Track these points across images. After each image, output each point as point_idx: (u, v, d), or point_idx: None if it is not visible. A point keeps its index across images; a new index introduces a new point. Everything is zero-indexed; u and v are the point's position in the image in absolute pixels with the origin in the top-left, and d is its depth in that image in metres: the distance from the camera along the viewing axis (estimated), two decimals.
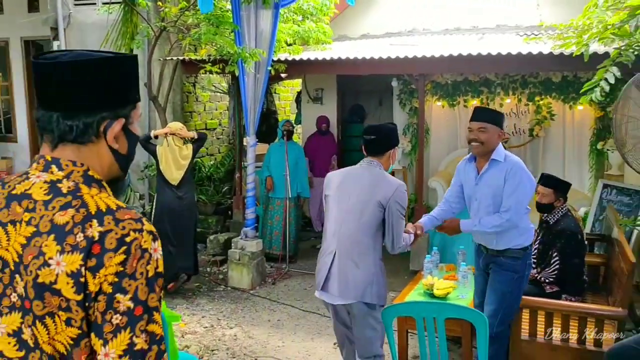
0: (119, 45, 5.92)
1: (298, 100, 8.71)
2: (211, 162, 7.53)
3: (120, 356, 1.05)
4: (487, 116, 3.33)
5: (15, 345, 1.08)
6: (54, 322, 1.06)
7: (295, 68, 6.34)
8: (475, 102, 6.48)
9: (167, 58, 6.13)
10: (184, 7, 5.44)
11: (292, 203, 6.28)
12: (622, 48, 4.30)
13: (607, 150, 5.65)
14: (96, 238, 1.05)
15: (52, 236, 1.06)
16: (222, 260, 6.10)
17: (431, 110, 6.84)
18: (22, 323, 1.08)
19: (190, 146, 5.27)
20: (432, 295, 4.22)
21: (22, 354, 1.08)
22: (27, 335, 1.08)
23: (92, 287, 1.04)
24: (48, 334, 1.06)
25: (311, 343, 4.37)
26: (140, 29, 5.96)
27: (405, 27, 7.31)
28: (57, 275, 1.04)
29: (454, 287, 4.02)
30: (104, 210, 1.10)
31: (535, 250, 4.15)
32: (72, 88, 1.13)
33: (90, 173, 1.16)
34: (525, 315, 3.53)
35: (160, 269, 1.12)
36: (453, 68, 5.75)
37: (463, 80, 6.55)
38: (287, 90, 10.01)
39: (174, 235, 5.19)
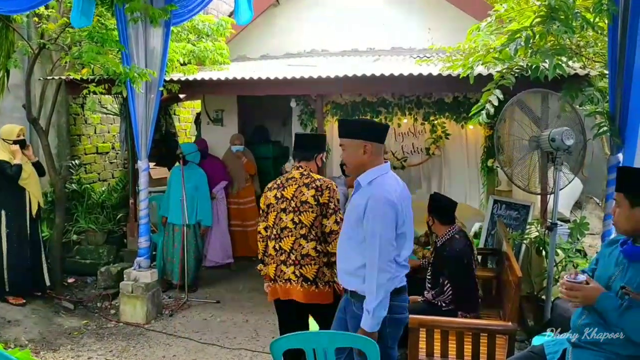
0: None
1: (197, 121, 8.43)
2: (103, 188, 7.04)
3: (333, 223, 3.42)
4: (344, 130, 2.76)
5: (292, 223, 3.46)
6: (307, 213, 3.42)
7: (191, 88, 6.11)
8: None
9: (49, 77, 5.67)
10: (63, 23, 5.05)
11: (190, 230, 5.98)
12: (504, 71, 4.52)
13: (496, 167, 5.91)
14: (319, 186, 3.45)
15: (304, 186, 3.46)
16: (115, 294, 5.66)
17: (332, 131, 6.84)
18: (294, 215, 3.44)
19: None
20: None
21: (293, 226, 3.44)
22: (296, 219, 3.44)
23: (322, 200, 3.42)
24: (306, 217, 3.42)
25: None
26: (18, 47, 5.47)
27: (305, 47, 7.34)
28: (307, 197, 3.43)
29: None
30: (319, 178, 3.51)
31: (429, 275, 4.18)
32: (305, 143, 3.70)
33: (311, 170, 3.58)
34: (422, 334, 3.53)
35: (339, 196, 3.53)
36: (350, 88, 5.79)
37: (362, 101, 6.62)
38: (188, 112, 9.70)
39: None
